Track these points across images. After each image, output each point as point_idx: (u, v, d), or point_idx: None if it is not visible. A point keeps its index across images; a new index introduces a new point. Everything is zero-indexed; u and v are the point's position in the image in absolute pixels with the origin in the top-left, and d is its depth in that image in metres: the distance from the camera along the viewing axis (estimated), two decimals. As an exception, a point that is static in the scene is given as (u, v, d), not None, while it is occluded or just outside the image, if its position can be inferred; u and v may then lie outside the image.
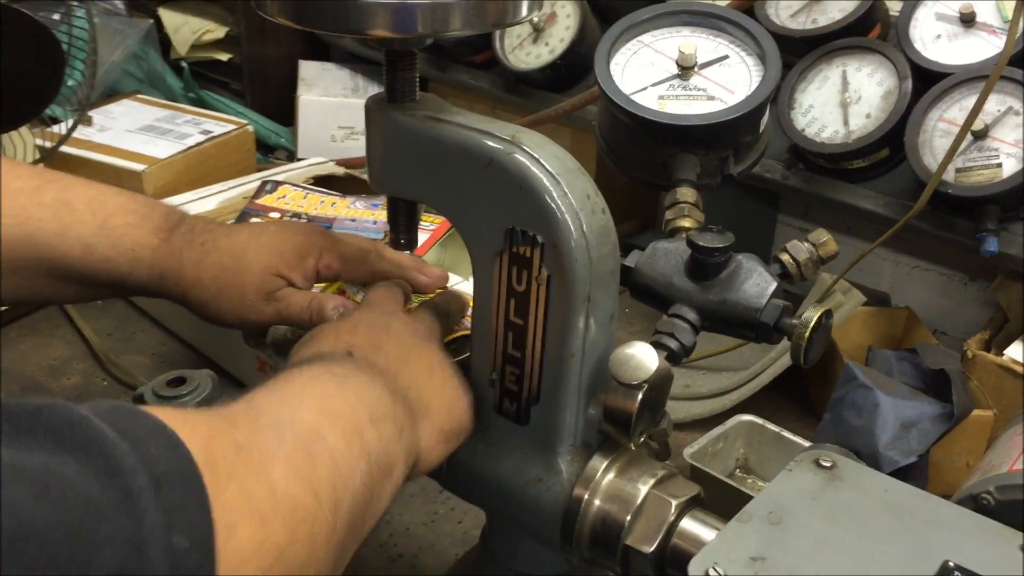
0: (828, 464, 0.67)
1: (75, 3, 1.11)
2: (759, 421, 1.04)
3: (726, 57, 0.79)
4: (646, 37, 0.82)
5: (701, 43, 0.80)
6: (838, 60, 1.14)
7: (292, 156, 1.60)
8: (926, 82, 1.08)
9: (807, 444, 0.99)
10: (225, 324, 0.77)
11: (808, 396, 1.16)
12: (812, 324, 0.65)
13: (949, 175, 1.03)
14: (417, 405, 0.64)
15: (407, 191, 0.71)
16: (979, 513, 0.74)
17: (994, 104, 1.03)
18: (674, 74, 0.79)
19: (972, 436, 0.99)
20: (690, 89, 0.78)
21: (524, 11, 0.65)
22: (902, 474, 0.97)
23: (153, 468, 0.39)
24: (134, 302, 1.28)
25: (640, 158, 0.80)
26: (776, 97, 1.17)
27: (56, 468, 0.37)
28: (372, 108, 0.70)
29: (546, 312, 0.65)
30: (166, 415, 0.44)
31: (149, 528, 0.38)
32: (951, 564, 0.58)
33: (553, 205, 0.63)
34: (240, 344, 1.11)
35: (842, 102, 1.13)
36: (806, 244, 0.70)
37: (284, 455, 0.49)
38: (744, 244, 0.70)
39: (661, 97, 0.77)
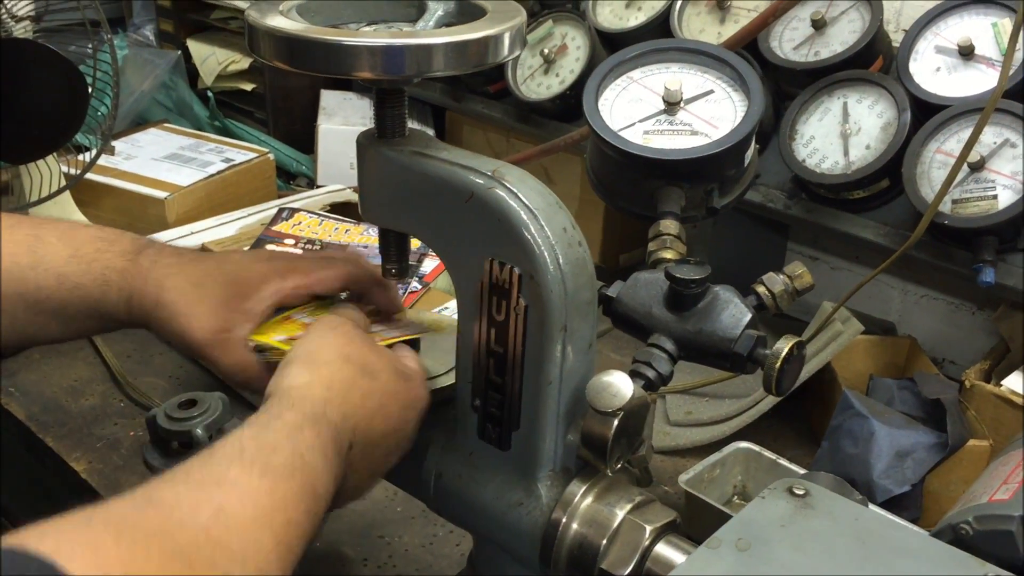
0: (801, 492, 0.69)
1: (108, 36, 1.16)
2: (756, 448, 1.05)
3: (711, 92, 0.82)
4: (635, 73, 0.84)
5: (688, 79, 0.83)
6: (839, 92, 1.16)
7: (312, 183, 1.64)
8: (926, 114, 1.09)
9: (803, 472, 1.00)
10: (182, 352, 0.79)
11: (809, 423, 1.17)
12: (783, 355, 0.67)
13: (946, 206, 1.04)
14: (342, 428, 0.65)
15: (395, 223, 0.74)
16: (959, 543, 0.75)
17: (991, 136, 1.03)
18: (660, 109, 0.81)
19: (968, 466, 0.99)
20: (675, 124, 0.80)
21: (506, 51, 0.68)
22: (896, 503, 0.98)
23: None
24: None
25: (627, 190, 0.82)
26: (778, 127, 1.19)
27: None
28: (363, 143, 0.73)
29: (524, 341, 0.68)
30: (102, 543, 0.46)
31: None
32: (913, 592, 0.60)
33: (530, 238, 0.65)
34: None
35: (842, 133, 1.14)
36: (782, 276, 0.72)
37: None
38: (754, 273, 0.72)
39: (647, 132, 0.80)
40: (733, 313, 0.70)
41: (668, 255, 0.75)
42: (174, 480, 0.55)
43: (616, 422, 0.66)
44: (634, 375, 0.69)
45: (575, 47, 1.39)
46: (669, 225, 0.77)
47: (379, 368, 0.69)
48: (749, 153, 0.81)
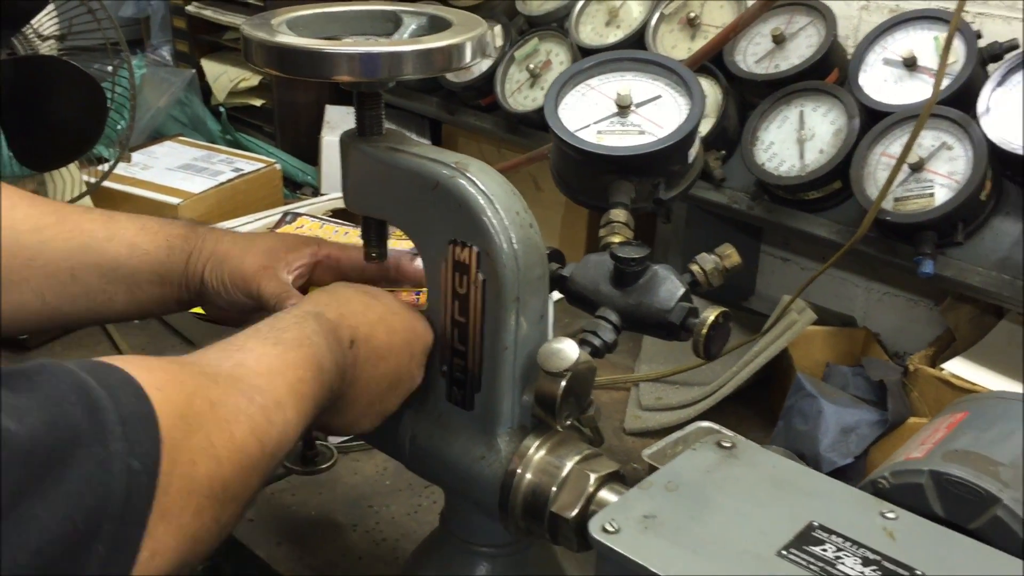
0: (728, 445, 0.78)
1: (116, 54, 1.27)
2: (716, 427, 1.13)
3: (659, 97, 0.91)
4: (593, 81, 0.94)
5: (639, 86, 0.92)
6: (796, 101, 1.25)
7: (316, 192, 1.75)
8: (874, 121, 1.19)
9: (757, 448, 1.08)
10: (230, 314, 0.89)
11: (770, 406, 1.26)
12: (709, 322, 0.76)
13: (889, 204, 1.13)
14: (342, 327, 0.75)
15: (374, 210, 0.84)
16: (878, 496, 0.84)
17: (930, 140, 1.13)
18: (613, 112, 0.91)
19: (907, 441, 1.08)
20: (627, 125, 0.90)
21: (468, 58, 0.78)
22: (841, 474, 1.06)
23: (122, 410, 0.51)
24: (168, 322, 1.42)
25: (585, 185, 0.92)
26: (741, 134, 1.29)
27: (54, 404, 0.50)
28: (346, 141, 0.83)
29: (483, 311, 0.77)
30: (159, 367, 0.57)
31: (115, 452, 0.50)
32: (815, 523, 0.69)
33: (487, 220, 0.75)
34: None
35: (799, 139, 1.23)
36: (712, 256, 0.81)
37: (248, 416, 0.61)
38: (728, 275, 0.81)
39: (600, 132, 0.89)
40: (669, 288, 0.79)
41: (615, 239, 0.84)
42: (205, 349, 0.66)
43: (564, 383, 0.76)
44: (582, 343, 0.79)
45: (558, 62, 1.49)
46: (619, 214, 0.86)
47: (382, 294, 0.80)
48: (693, 151, 0.91)
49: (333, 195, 1.63)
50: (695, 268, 0.82)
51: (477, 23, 0.81)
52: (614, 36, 1.47)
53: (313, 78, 0.77)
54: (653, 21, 1.42)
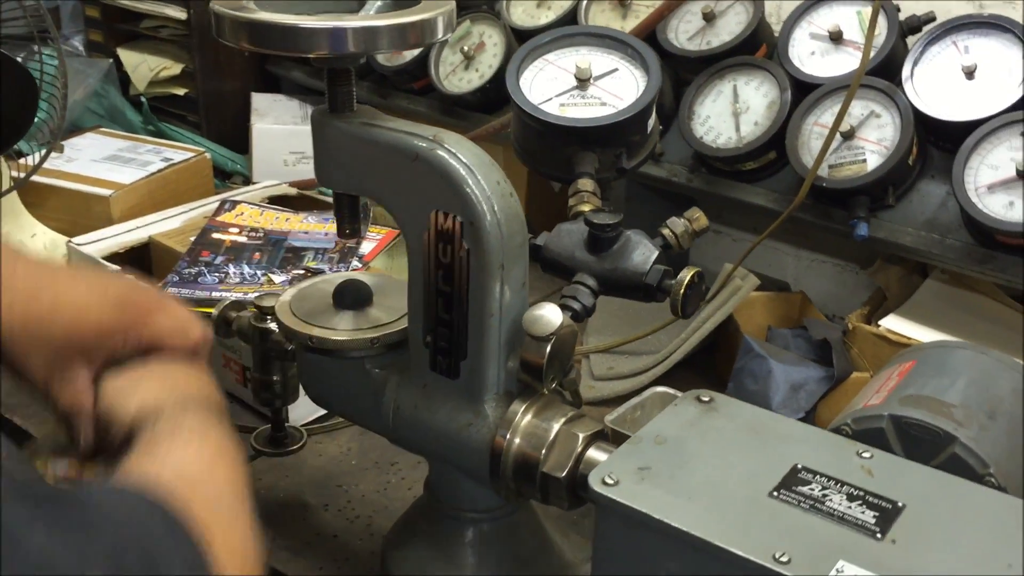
0: (707, 399, 0.81)
1: (44, 43, 1.23)
2: (671, 391, 1.17)
3: (616, 70, 0.94)
4: (550, 56, 0.97)
5: (596, 59, 0.95)
6: (729, 76, 1.30)
7: (248, 181, 1.73)
8: (804, 92, 1.24)
9: (712, 409, 1.13)
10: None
11: (716, 371, 1.31)
12: (686, 282, 0.80)
13: (823, 171, 1.18)
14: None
15: (349, 186, 0.85)
16: (838, 442, 0.89)
17: (859, 109, 1.19)
18: (573, 86, 0.94)
19: (853, 395, 1.13)
20: (587, 97, 0.93)
21: (440, 33, 0.80)
22: (793, 429, 1.11)
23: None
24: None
25: (548, 156, 0.94)
26: (677, 109, 1.33)
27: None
28: (317, 118, 0.84)
29: (468, 280, 0.79)
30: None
31: None
32: (799, 466, 0.73)
33: (470, 191, 0.76)
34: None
35: (734, 112, 1.28)
36: (682, 220, 0.85)
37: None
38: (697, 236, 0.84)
39: (563, 104, 0.92)
40: (643, 252, 0.83)
41: (585, 207, 0.87)
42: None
43: (549, 347, 0.78)
44: (563, 307, 0.81)
45: (492, 44, 1.51)
46: (586, 183, 0.89)
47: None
48: (650, 122, 0.94)
49: (268, 182, 1.61)
50: (666, 232, 0.85)
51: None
52: (546, 17, 1.49)
53: (289, 53, 0.78)
54: (584, 2, 1.45)
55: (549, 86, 0.94)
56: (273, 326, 0.96)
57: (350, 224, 0.88)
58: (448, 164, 0.77)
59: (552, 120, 0.89)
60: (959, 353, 0.96)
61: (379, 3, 0.84)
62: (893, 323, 1.20)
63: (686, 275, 0.80)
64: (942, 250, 1.16)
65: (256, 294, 1.22)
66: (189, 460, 0.64)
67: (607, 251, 0.83)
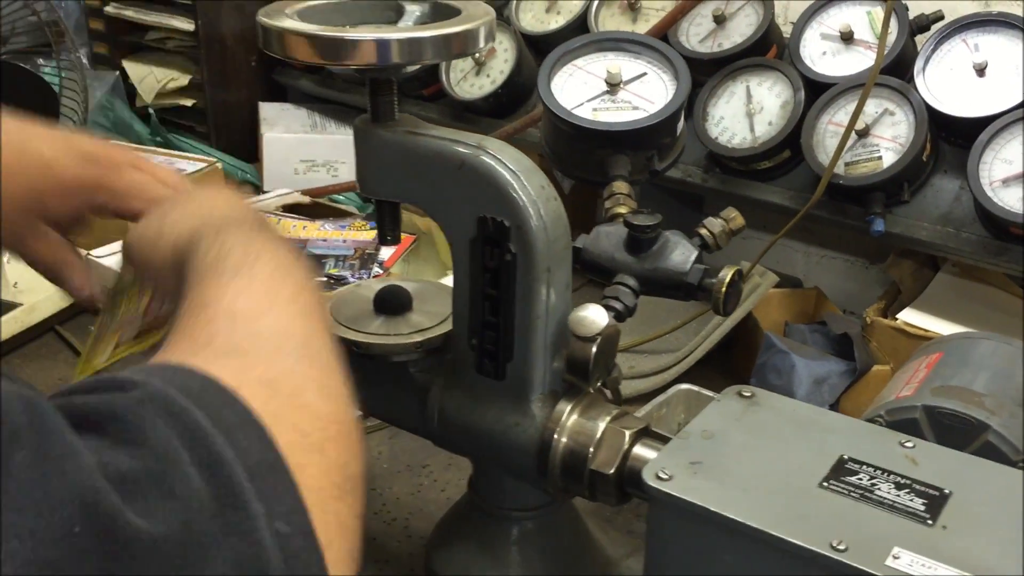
0: (749, 394, 0.83)
1: (76, 58, 1.24)
2: (696, 388, 1.19)
3: (644, 74, 0.96)
4: (579, 61, 0.98)
5: (624, 64, 0.97)
6: (742, 77, 1.32)
7: (258, 190, 1.73)
8: (816, 92, 1.27)
9: (737, 404, 1.15)
10: None
11: (735, 367, 1.33)
12: (727, 280, 0.82)
13: (840, 169, 1.21)
14: None
15: (392, 194, 0.86)
16: (873, 433, 0.91)
17: (872, 107, 1.21)
18: (604, 90, 0.95)
19: (874, 388, 1.16)
20: (618, 102, 0.95)
21: (481, 42, 0.81)
22: (817, 422, 1.14)
23: (247, 460, 0.40)
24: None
25: (580, 160, 0.96)
26: (691, 110, 1.35)
27: (165, 469, 0.38)
28: (360, 127, 0.85)
29: (514, 284, 0.80)
30: (225, 371, 0.44)
31: (255, 518, 0.39)
32: (845, 456, 0.75)
33: (516, 196, 0.78)
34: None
35: (748, 113, 1.31)
36: (719, 220, 0.87)
37: (303, 375, 0.49)
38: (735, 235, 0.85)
39: (595, 109, 0.94)
40: (682, 252, 0.84)
41: (622, 209, 0.89)
42: (183, 327, 0.52)
43: (595, 347, 0.80)
44: (605, 308, 0.83)
45: (503, 50, 1.52)
46: (621, 186, 0.91)
47: None
48: (680, 124, 0.96)
49: (281, 191, 1.62)
50: (704, 232, 0.87)
51: (484, 9, 0.84)
52: (555, 22, 1.51)
53: (334, 65, 0.79)
54: (594, 6, 1.47)
55: (580, 91, 0.95)
56: (311, 333, 0.97)
57: (391, 231, 0.89)
58: (494, 170, 0.78)
59: (587, 125, 0.91)
60: (984, 344, 0.99)
61: (417, 12, 0.86)
62: (910, 316, 1.22)
63: (727, 274, 0.82)
64: (958, 244, 1.18)
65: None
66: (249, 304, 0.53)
67: (647, 252, 0.85)
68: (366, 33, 0.77)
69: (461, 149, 0.80)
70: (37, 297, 1.36)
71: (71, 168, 0.70)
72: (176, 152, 1.70)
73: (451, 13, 0.84)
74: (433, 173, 0.81)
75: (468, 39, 0.80)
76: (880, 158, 1.20)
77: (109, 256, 1.39)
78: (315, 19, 0.84)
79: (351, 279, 1.31)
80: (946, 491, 0.71)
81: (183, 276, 0.58)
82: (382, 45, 0.77)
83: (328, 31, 0.77)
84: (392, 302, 0.92)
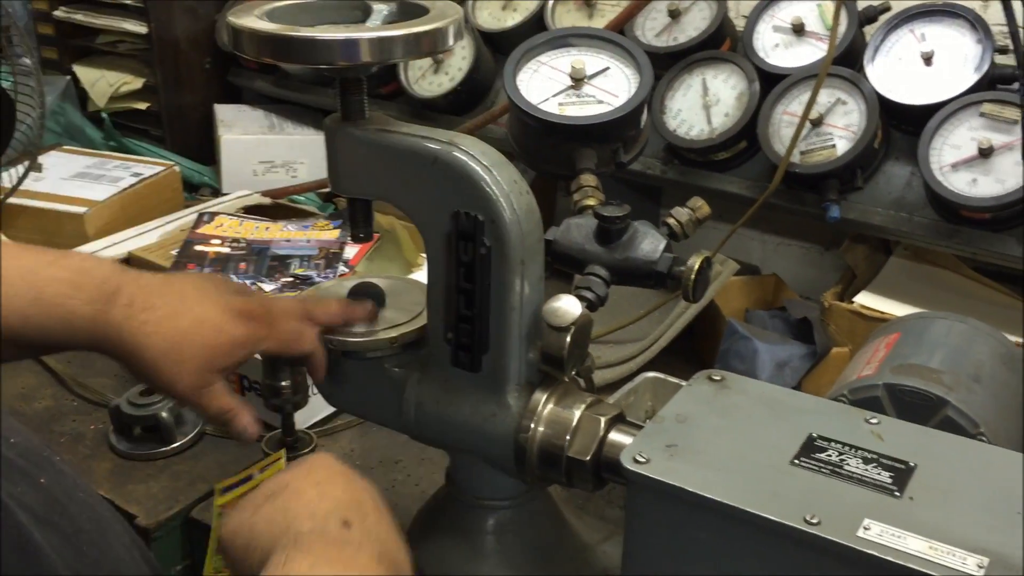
0: (719, 378, 0.85)
1: (34, 63, 1.23)
2: (662, 376, 1.22)
3: (608, 69, 0.98)
4: (543, 57, 1.00)
5: (587, 59, 0.99)
6: (698, 70, 1.35)
7: (217, 192, 1.73)
8: (770, 83, 1.30)
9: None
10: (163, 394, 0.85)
11: (699, 355, 1.36)
12: (696, 267, 0.84)
13: (795, 158, 1.24)
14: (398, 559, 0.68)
15: (365, 192, 0.87)
16: (838, 412, 0.94)
17: (825, 97, 1.25)
18: (569, 85, 0.97)
19: (834, 370, 1.19)
20: (583, 96, 0.96)
21: (451, 41, 0.82)
22: (781, 405, 1.17)
23: None
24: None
25: (547, 154, 0.97)
26: (650, 104, 1.38)
27: None
28: (331, 127, 0.86)
29: (489, 277, 0.82)
30: None
31: None
32: (814, 435, 0.77)
33: (489, 190, 0.79)
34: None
35: (704, 105, 1.33)
36: (686, 209, 0.89)
37: None
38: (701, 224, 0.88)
39: (561, 104, 0.95)
40: (651, 241, 0.86)
41: (591, 201, 0.91)
42: None
43: (569, 337, 0.81)
44: (578, 298, 0.85)
45: (460, 47, 1.53)
46: (588, 178, 0.92)
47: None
48: (643, 117, 0.98)
49: (241, 192, 1.62)
50: (671, 221, 0.89)
51: (452, 7, 0.85)
52: (512, 19, 1.53)
53: (305, 64, 0.80)
54: (550, 3, 1.49)
55: (545, 86, 0.97)
56: (283, 332, 0.98)
57: (364, 228, 0.90)
58: (467, 165, 0.80)
59: (554, 119, 0.93)
60: (939, 323, 1.03)
61: (385, 11, 0.87)
62: (866, 299, 1.26)
63: (696, 261, 0.84)
64: (911, 227, 1.22)
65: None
66: None
67: (617, 242, 0.87)
68: (337, 33, 0.78)
69: (433, 145, 0.81)
70: None
71: (238, 330, 0.84)
72: (132, 156, 1.69)
73: (418, 12, 0.85)
74: (406, 170, 0.82)
75: (438, 37, 0.81)
76: (834, 146, 1.23)
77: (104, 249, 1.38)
78: (283, 19, 0.84)
79: (317, 279, 1.32)
80: (911, 464, 0.74)
81: None
82: (352, 44, 0.78)
83: (300, 32, 0.78)
84: (365, 299, 0.92)
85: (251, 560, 0.64)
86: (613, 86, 0.97)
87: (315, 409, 1.13)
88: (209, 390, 0.84)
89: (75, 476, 0.63)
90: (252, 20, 0.80)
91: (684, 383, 1.19)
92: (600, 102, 0.95)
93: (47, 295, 0.77)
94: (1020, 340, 1.08)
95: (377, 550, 0.64)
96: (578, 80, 0.96)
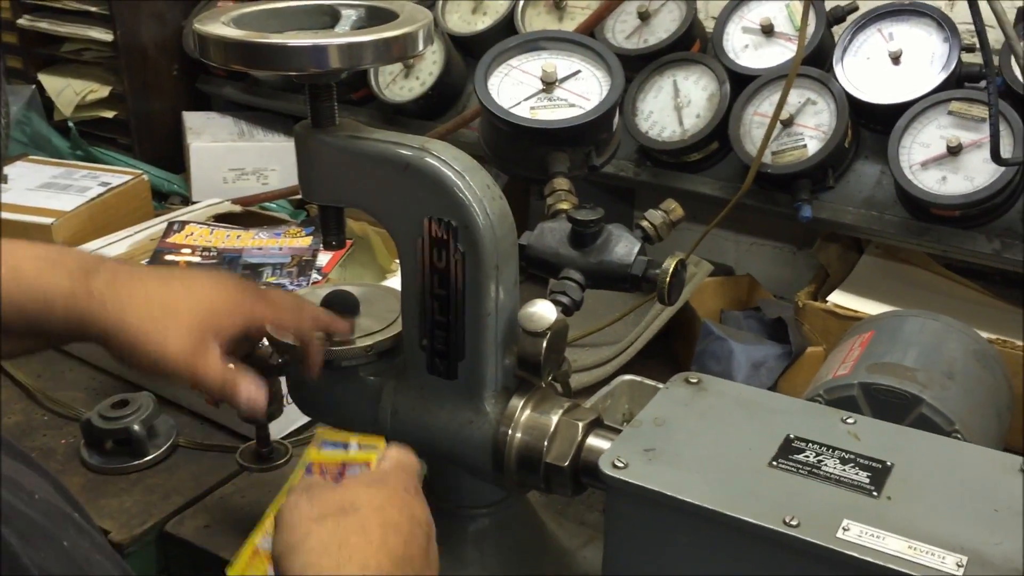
0: (695, 381, 0.85)
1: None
2: (639, 379, 1.21)
3: (579, 72, 0.98)
4: (513, 61, 1.00)
5: (558, 63, 0.98)
6: (668, 72, 1.35)
7: (187, 200, 1.71)
8: (741, 84, 1.30)
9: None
10: (140, 371, 0.78)
11: (675, 356, 1.36)
12: (671, 270, 0.84)
13: (767, 158, 1.24)
14: None
15: (337, 199, 0.86)
16: (814, 412, 0.94)
17: (795, 97, 1.25)
18: (540, 89, 0.97)
19: (809, 369, 1.20)
20: (555, 100, 0.96)
21: (420, 46, 0.82)
22: (757, 405, 1.17)
23: None
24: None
25: (520, 158, 0.97)
26: (621, 106, 1.37)
27: None
28: (301, 133, 0.85)
29: (464, 282, 0.81)
30: None
31: None
32: (791, 436, 0.77)
33: (462, 195, 0.79)
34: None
35: (676, 106, 1.33)
36: (659, 211, 0.89)
37: None
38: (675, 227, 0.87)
39: (532, 108, 0.95)
40: (626, 244, 0.86)
41: (564, 205, 0.90)
42: None
43: (545, 341, 0.81)
44: (553, 303, 0.84)
45: (431, 51, 1.53)
46: (561, 182, 0.92)
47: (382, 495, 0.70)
48: (615, 120, 0.98)
49: (211, 200, 1.60)
50: (645, 224, 0.89)
51: (421, 12, 0.84)
52: (482, 23, 1.52)
53: (275, 71, 0.79)
54: (520, 5, 1.48)
55: (516, 90, 0.97)
56: (256, 342, 0.97)
57: (336, 236, 0.89)
58: (439, 171, 0.79)
59: (526, 124, 0.92)
60: (912, 321, 1.03)
61: (354, 17, 0.86)
62: (839, 298, 1.26)
63: (670, 264, 0.84)
64: (882, 226, 1.23)
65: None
66: None
67: (591, 246, 0.86)
68: (306, 39, 0.77)
69: (405, 151, 0.80)
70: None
71: (233, 292, 0.82)
72: (99, 165, 1.67)
73: (388, 16, 0.84)
74: (378, 176, 0.82)
75: (408, 42, 0.81)
76: (805, 146, 1.23)
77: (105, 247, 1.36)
78: (251, 25, 0.83)
79: (290, 287, 1.31)
80: (888, 463, 0.74)
81: None
82: (321, 51, 0.77)
83: (268, 39, 0.77)
84: (340, 307, 0.92)
85: (292, 562, 0.64)
86: (584, 89, 0.97)
87: (290, 419, 1.12)
88: (204, 357, 0.77)
89: (92, 533, 0.60)
90: (219, 27, 0.79)
91: (661, 386, 1.20)
92: (572, 105, 0.95)
93: (25, 271, 0.74)
94: (991, 336, 1.09)
95: None
96: (549, 84, 0.96)
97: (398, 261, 1.33)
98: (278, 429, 1.15)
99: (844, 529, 0.68)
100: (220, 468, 1.14)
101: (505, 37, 1.02)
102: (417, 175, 0.80)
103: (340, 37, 0.79)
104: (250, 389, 0.81)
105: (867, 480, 0.73)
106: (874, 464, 0.74)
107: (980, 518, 0.69)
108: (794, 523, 0.68)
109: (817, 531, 0.68)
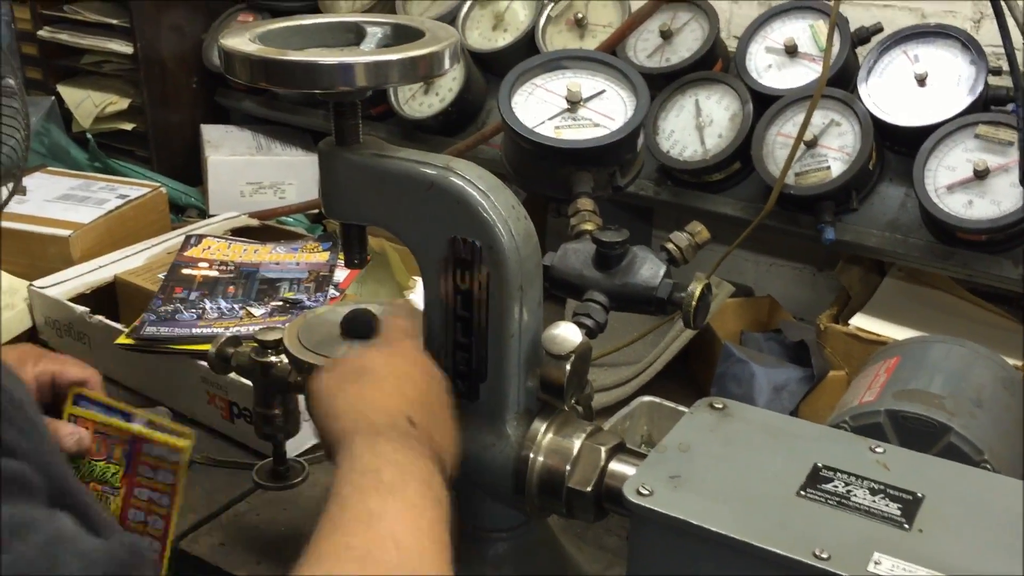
0: (720, 406, 0.84)
1: (19, 83, 1.21)
2: (658, 400, 1.20)
3: (603, 91, 0.97)
4: (537, 80, 0.99)
5: (583, 82, 0.98)
6: (691, 91, 1.34)
7: (204, 213, 1.71)
8: (764, 104, 1.29)
9: (699, 414, 1.16)
10: None
11: (694, 378, 1.34)
12: (697, 294, 0.83)
13: (790, 179, 1.23)
14: (444, 459, 0.76)
15: (359, 217, 0.85)
16: (839, 439, 0.92)
17: (819, 118, 1.24)
18: (564, 108, 0.96)
19: (831, 393, 1.18)
20: (579, 119, 0.95)
21: (447, 64, 0.81)
22: (779, 429, 1.15)
23: None
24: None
25: (543, 178, 0.96)
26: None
27: None
28: (324, 151, 0.84)
29: (488, 304, 0.80)
30: None
31: None
32: (819, 464, 0.76)
33: (487, 215, 0.78)
34: (186, 382, 1.22)
35: (698, 126, 1.32)
36: (685, 233, 0.88)
37: None
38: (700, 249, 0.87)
39: (557, 127, 0.94)
40: (651, 267, 0.85)
41: (589, 226, 0.89)
42: (336, 525, 0.65)
43: (569, 365, 0.80)
44: (577, 325, 0.83)
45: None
46: (585, 203, 0.91)
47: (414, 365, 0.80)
48: (640, 140, 0.97)
49: (228, 214, 1.60)
50: (670, 246, 0.88)
51: (447, 30, 0.84)
52: (503, 40, 1.52)
53: (302, 89, 0.78)
54: (541, 23, 1.48)
55: (541, 109, 0.96)
56: (275, 359, 0.96)
57: (358, 254, 0.88)
58: (464, 190, 0.78)
59: (551, 143, 0.91)
60: (938, 347, 1.02)
61: (379, 34, 0.85)
62: (862, 321, 1.25)
63: (696, 287, 0.83)
64: (906, 249, 1.21)
65: (242, 328, 1.22)
66: None
67: (615, 268, 0.85)
68: (332, 58, 0.77)
69: (429, 170, 0.79)
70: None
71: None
72: (117, 178, 1.67)
73: (413, 34, 0.83)
74: (401, 195, 0.81)
75: (434, 61, 0.80)
76: (828, 168, 1.22)
77: (53, 287, 1.35)
78: (275, 42, 0.83)
79: (308, 303, 1.30)
80: (919, 495, 0.73)
81: (337, 454, 0.72)
82: (348, 69, 0.77)
83: (295, 56, 0.77)
84: (360, 326, 0.91)
85: (331, 427, 0.75)
86: (609, 109, 0.96)
87: (305, 437, 1.11)
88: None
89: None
90: (244, 43, 0.78)
91: (681, 408, 1.19)
92: (596, 125, 0.94)
93: None
94: (1019, 363, 1.07)
95: (430, 447, 0.74)
96: (574, 103, 0.95)
97: (416, 278, 1.33)
98: (295, 447, 1.14)
99: (875, 563, 0.66)
100: (234, 485, 1.13)
101: (525, 54, 1.01)
102: (442, 194, 0.79)
103: (367, 55, 0.78)
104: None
105: (898, 512, 0.71)
106: (905, 495, 0.73)
107: (1013, 553, 0.68)
108: (824, 556, 0.67)
109: (848, 564, 0.66)
